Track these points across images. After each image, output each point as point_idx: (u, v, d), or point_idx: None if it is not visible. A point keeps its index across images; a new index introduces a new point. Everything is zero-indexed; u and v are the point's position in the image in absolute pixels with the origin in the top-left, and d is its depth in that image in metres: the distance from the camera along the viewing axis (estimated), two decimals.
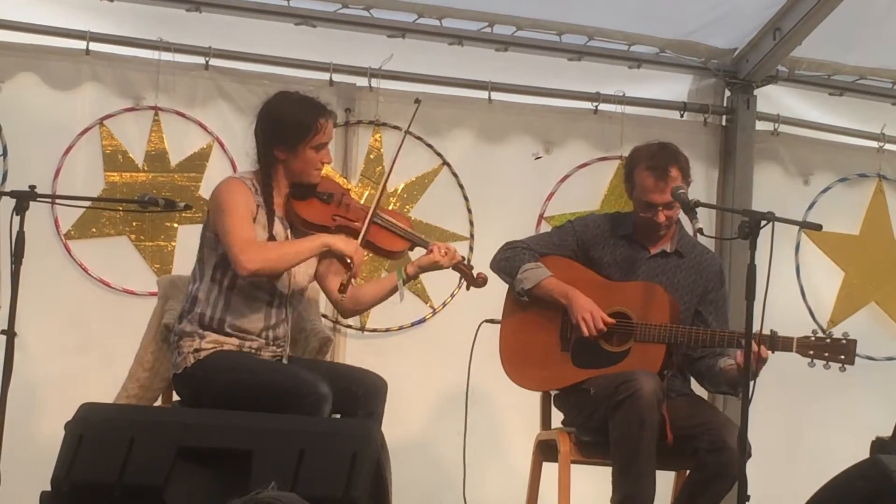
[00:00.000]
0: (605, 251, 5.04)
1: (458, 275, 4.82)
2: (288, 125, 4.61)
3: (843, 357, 4.74)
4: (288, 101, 4.69)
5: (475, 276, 4.83)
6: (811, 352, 4.74)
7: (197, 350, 4.52)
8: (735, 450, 4.42)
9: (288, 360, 4.69)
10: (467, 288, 4.84)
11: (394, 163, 4.93)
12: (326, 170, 5.15)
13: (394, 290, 4.79)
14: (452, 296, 6.16)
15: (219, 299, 4.57)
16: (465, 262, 4.86)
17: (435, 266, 4.75)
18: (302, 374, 4.40)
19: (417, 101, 4.96)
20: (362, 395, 4.50)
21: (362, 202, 4.98)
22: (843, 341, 4.75)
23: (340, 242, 4.58)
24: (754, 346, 4.60)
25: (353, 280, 4.59)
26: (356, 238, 4.63)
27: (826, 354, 4.73)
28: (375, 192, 4.79)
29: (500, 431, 6.02)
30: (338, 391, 4.40)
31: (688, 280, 5.04)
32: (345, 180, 6.07)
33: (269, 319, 4.62)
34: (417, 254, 4.88)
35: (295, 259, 4.56)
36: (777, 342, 4.72)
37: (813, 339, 4.76)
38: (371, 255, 5.00)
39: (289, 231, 4.67)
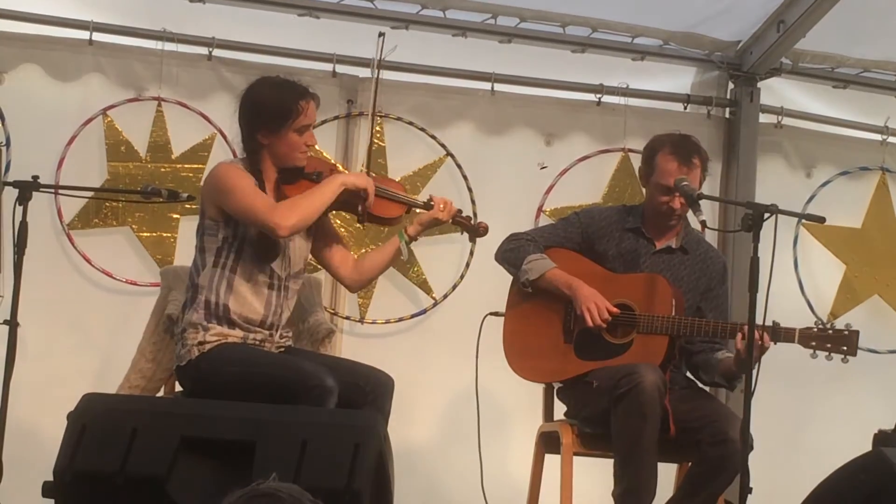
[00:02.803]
0: (611, 244, 5.04)
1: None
2: (268, 109, 4.58)
3: (845, 348, 4.73)
4: (267, 85, 4.67)
5: (476, 225, 4.86)
6: (813, 343, 4.74)
7: (201, 343, 4.50)
8: (737, 442, 4.42)
9: (293, 351, 4.69)
10: (471, 239, 4.94)
11: (374, 106, 4.95)
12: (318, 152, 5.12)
13: (397, 254, 4.79)
14: (454, 287, 6.16)
15: (221, 282, 4.55)
16: (463, 214, 4.86)
17: (435, 222, 4.78)
18: (307, 366, 4.39)
19: (381, 35, 4.97)
20: (370, 391, 4.49)
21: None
22: (846, 332, 4.75)
23: (353, 178, 4.70)
24: (756, 337, 4.62)
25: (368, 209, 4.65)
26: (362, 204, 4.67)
27: (828, 346, 4.73)
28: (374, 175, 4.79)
29: (502, 423, 6.01)
30: (345, 385, 4.39)
31: (692, 276, 5.04)
32: (343, 167, 6.06)
33: (270, 305, 4.60)
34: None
35: (322, 205, 4.57)
36: (779, 333, 4.72)
37: (815, 329, 4.76)
38: (369, 224, 4.98)
39: None
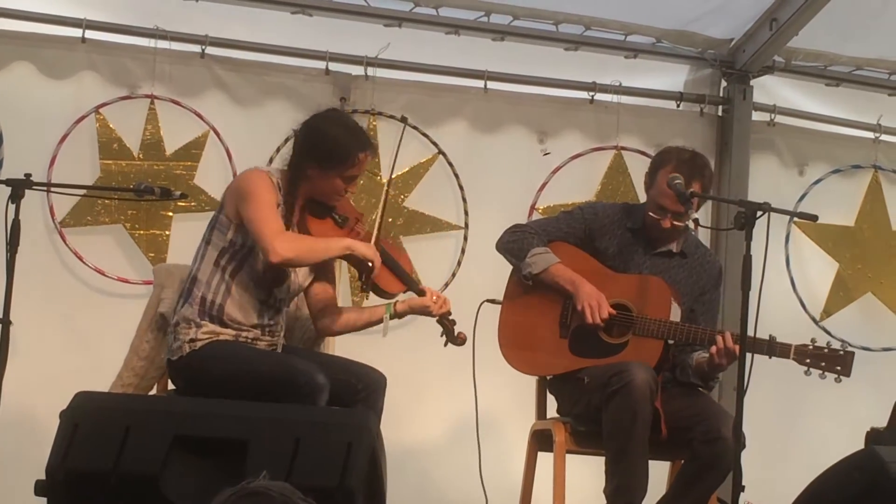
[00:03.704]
0: (612, 241, 5.03)
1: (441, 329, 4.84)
2: (327, 148, 4.59)
3: (839, 368, 4.70)
4: (337, 124, 4.68)
5: (456, 334, 4.84)
6: (808, 360, 4.70)
7: (193, 340, 4.51)
8: (729, 440, 4.42)
9: (286, 348, 4.70)
10: (445, 344, 4.85)
11: (384, 203, 4.94)
12: None
13: (378, 322, 4.79)
14: (446, 285, 6.16)
15: (220, 285, 4.58)
16: (450, 317, 4.85)
17: (425, 311, 4.77)
18: (298, 363, 4.40)
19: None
20: (362, 388, 4.50)
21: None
22: (841, 352, 4.72)
23: (362, 247, 4.60)
24: (730, 342, 4.62)
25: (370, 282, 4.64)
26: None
27: (823, 364, 4.70)
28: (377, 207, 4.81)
29: (497, 420, 6.01)
30: (337, 384, 4.41)
31: (688, 280, 5.03)
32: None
33: (265, 315, 4.62)
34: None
35: (322, 255, 4.60)
36: (774, 348, 4.70)
37: (811, 347, 4.73)
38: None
39: None
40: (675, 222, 4.90)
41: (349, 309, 4.96)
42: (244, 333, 4.58)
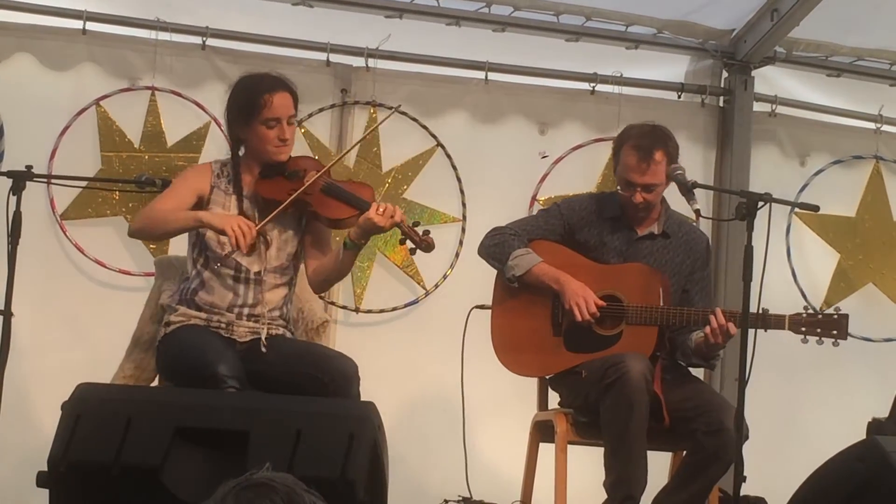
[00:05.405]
0: (592, 233, 5.00)
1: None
2: (238, 103, 4.65)
3: (835, 332, 4.73)
4: (242, 81, 4.73)
5: (422, 237, 4.53)
6: (803, 328, 4.73)
7: (167, 323, 4.59)
8: (732, 431, 4.42)
9: (277, 338, 4.65)
10: (412, 251, 4.59)
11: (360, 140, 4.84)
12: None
13: (337, 257, 4.61)
14: (445, 277, 6.16)
15: (196, 277, 4.63)
16: (414, 226, 4.57)
17: (371, 225, 4.49)
18: (210, 353, 4.40)
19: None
20: (329, 381, 4.43)
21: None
22: (835, 316, 4.75)
23: (214, 219, 4.53)
24: (721, 319, 4.62)
25: (237, 251, 4.48)
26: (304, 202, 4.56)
27: (818, 330, 4.73)
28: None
29: (496, 413, 6.01)
30: (303, 378, 4.42)
31: (675, 260, 5.01)
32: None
33: (238, 296, 4.60)
34: None
35: (171, 226, 4.60)
36: (769, 320, 4.71)
37: (804, 315, 4.76)
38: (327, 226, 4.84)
39: (257, 212, 4.63)
40: (645, 195, 4.89)
41: (325, 258, 4.74)
42: (216, 317, 4.59)
